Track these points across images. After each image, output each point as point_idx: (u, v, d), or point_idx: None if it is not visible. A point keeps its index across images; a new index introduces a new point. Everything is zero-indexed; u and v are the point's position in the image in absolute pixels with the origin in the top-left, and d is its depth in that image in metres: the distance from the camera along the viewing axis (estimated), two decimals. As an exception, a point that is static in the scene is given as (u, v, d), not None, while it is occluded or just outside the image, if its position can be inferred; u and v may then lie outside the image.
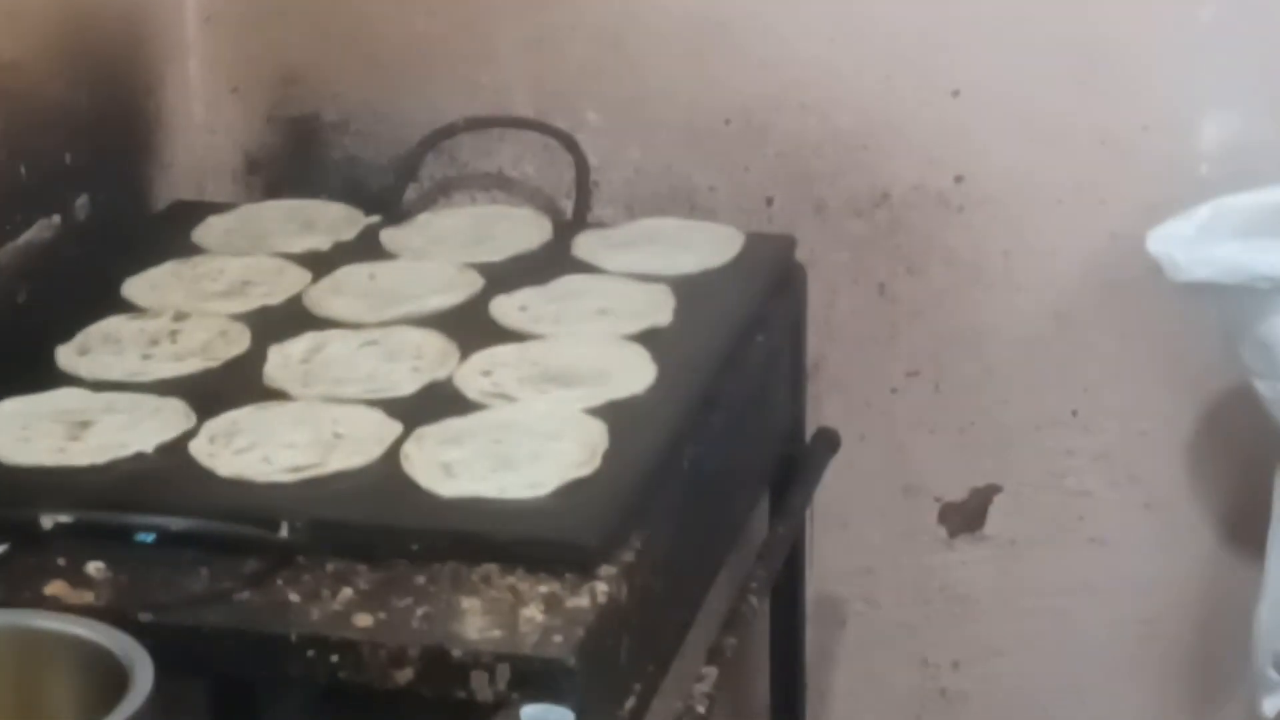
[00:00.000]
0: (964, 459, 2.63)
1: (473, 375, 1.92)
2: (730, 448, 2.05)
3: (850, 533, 2.68)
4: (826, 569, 2.68)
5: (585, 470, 1.72)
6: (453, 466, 1.73)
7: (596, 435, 1.79)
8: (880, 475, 2.65)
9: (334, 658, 1.54)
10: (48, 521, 1.63)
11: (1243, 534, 2.51)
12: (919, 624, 2.72)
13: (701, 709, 1.86)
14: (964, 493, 2.65)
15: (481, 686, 1.50)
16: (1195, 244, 2.22)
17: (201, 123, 2.55)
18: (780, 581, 2.42)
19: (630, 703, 1.70)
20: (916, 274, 2.56)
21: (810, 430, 2.49)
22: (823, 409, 2.58)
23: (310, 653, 1.54)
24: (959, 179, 2.50)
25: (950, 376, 2.60)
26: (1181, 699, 2.69)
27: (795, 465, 2.40)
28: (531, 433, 1.79)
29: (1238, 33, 2.39)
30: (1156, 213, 2.27)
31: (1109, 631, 2.67)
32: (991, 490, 2.64)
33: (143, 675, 1.23)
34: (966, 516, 2.66)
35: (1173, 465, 2.59)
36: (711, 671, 1.91)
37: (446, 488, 1.70)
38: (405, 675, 1.53)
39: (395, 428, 1.80)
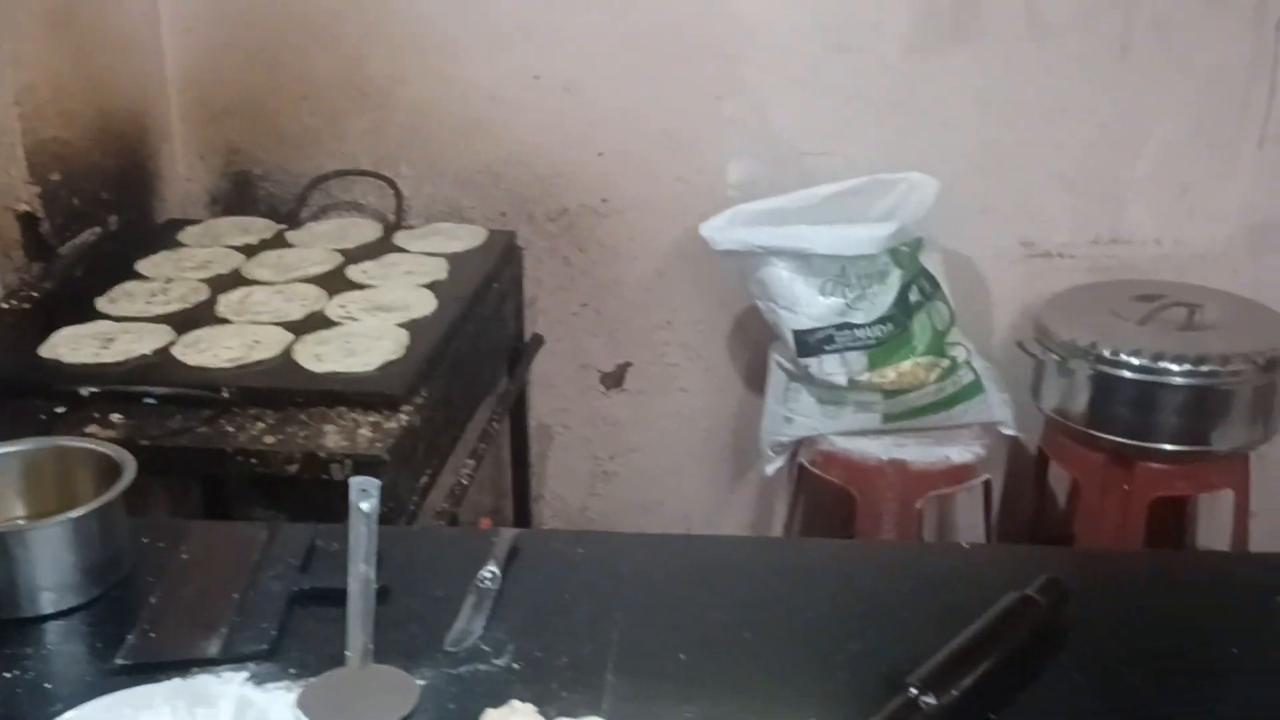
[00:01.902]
0: (612, 348, 2.67)
1: (335, 308, 1.96)
2: (479, 343, 2.10)
3: (553, 390, 2.70)
4: (541, 410, 2.72)
5: (396, 355, 1.79)
6: (321, 355, 1.78)
7: (403, 337, 1.84)
8: (568, 358, 2.67)
9: (254, 461, 1.59)
10: (85, 392, 1.66)
11: (755, 383, 2.58)
12: (591, 437, 2.75)
13: (465, 482, 1.93)
14: (612, 366, 2.69)
15: (337, 472, 1.57)
16: (725, 230, 2.32)
17: (183, 175, 2.52)
18: (514, 416, 2.50)
19: (424, 479, 1.77)
20: (584, 252, 2.59)
21: (528, 335, 2.54)
22: (536, 324, 2.61)
23: (240, 459, 1.59)
24: (604, 200, 2.55)
25: (604, 305, 2.63)
26: (729, 470, 2.75)
27: (520, 354, 2.46)
28: (366, 336, 1.84)
29: (744, 115, 2.47)
30: (706, 215, 2.35)
31: (689, 437, 2.72)
32: (627, 364, 2.69)
33: (129, 469, 1.21)
34: (614, 379, 2.70)
35: (720, 347, 2.65)
36: (471, 463, 1.99)
37: (318, 367, 1.75)
38: (294, 468, 1.58)
39: (289, 336, 1.83)
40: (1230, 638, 1.14)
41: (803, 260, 2.24)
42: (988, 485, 2.43)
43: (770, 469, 2.43)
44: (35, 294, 1.96)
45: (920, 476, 2.28)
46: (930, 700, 1.00)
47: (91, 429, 1.60)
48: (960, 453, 2.30)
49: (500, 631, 1.15)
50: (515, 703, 1.02)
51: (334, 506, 1.26)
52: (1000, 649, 1.08)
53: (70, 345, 1.79)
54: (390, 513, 1.60)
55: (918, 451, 2.29)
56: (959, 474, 2.30)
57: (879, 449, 2.29)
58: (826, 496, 2.49)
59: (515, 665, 1.10)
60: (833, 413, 2.34)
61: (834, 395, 2.33)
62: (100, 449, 1.27)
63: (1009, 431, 2.39)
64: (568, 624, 1.16)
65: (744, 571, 1.26)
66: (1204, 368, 2.14)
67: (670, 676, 1.09)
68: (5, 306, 1.91)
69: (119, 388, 1.67)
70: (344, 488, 1.17)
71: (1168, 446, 2.22)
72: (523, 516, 2.66)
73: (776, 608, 1.19)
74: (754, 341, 2.57)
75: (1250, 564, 1.30)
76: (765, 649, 1.13)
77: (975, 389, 2.35)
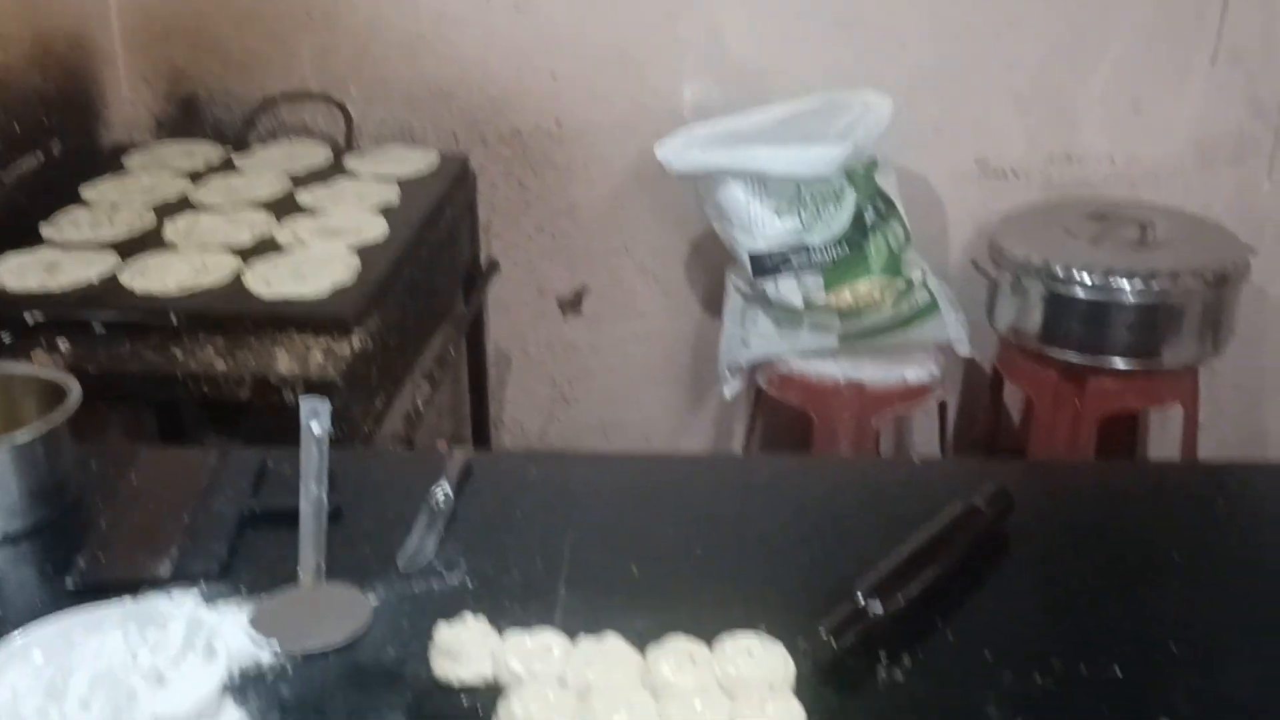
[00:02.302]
0: (569, 272, 2.66)
1: (284, 232, 1.94)
2: (433, 268, 2.09)
3: (511, 315, 2.70)
4: (500, 336, 2.71)
5: (346, 279, 1.77)
6: (270, 280, 1.76)
7: (353, 261, 1.83)
8: (525, 284, 2.67)
9: (204, 387, 1.58)
10: (30, 319, 1.64)
11: (713, 306, 2.59)
12: (550, 362, 2.75)
13: (421, 407, 1.94)
14: (570, 291, 2.68)
15: (289, 396, 1.56)
16: (681, 152, 2.30)
17: (127, 99, 2.47)
18: (472, 342, 2.50)
19: (378, 404, 1.77)
20: (538, 175, 2.58)
21: (484, 260, 2.53)
22: (492, 249, 2.61)
23: (190, 384, 1.58)
24: (558, 122, 2.53)
25: (559, 230, 2.62)
26: (688, 393, 2.76)
27: (475, 279, 2.45)
28: (316, 261, 1.82)
29: (697, 35, 2.44)
30: (661, 137, 2.33)
31: (649, 359, 2.73)
32: (585, 289, 2.68)
33: (74, 394, 1.21)
34: (572, 304, 2.70)
35: (677, 271, 2.65)
36: (427, 387, 1.99)
37: (267, 292, 1.73)
38: (245, 393, 1.58)
39: (238, 262, 1.81)
40: (1172, 543, 1.16)
41: (758, 182, 2.23)
42: (943, 405, 2.46)
43: (728, 392, 2.45)
44: (-23, 221, 1.94)
45: (877, 397, 2.30)
46: (877, 607, 1.01)
47: (38, 356, 1.58)
48: (916, 373, 2.32)
49: (453, 550, 1.15)
50: (468, 616, 1.03)
51: (287, 431, 1.24)
52: (946, 557, 1.09)
53: (14, 272, 1.77)
54: (343, 437, 1.60)
55: (874, 372, 2.31)
56: (915, 394, 2.32)
57: (836, 370, 2.31)
58: (784, 418, 2.51)
59: (468, 582, 1.11)
60: (789, 334, 2.35)
61: (790, 317, 2.33)
62: (44, 375, 1.26)
63: (964, 351, 2.42)
64: (520, 542, 1.16)
65: (696, 488, 1.27)
66: (1155, 284, 2.16)
67: (622, 589, 1.10)
68: (-53, 234, 1.89)
69: (66, 315, 1.65)
70: (296, 412, 1.16)
71: (1119, 362, 2.25)
72: (482, 442, 2.67)
73: (727, 522, 1.20)
74: (712, 265, 2.57)
75: (1195, 472, 1.32)
76: (716, 562, 1.14)
77: (931, 309, 2.36)
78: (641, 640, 1.01)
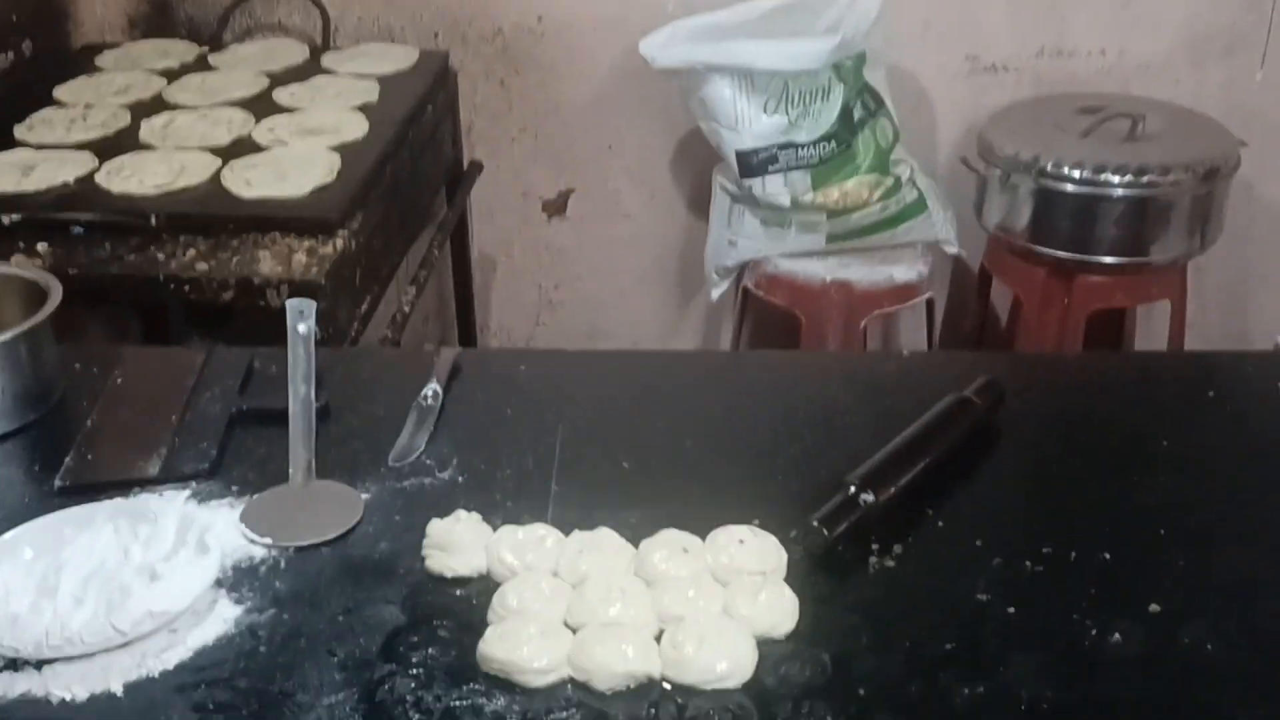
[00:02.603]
0: (554, 174, 2.63)
1: (263, 132, 1.90)
2: (416, 168, 2.06)
3: (495, 220, 2.67)
4: (484, 240, 2.68)
5: (328, 179, 1.75)
6: (251, 180, 1.73)
7: (334, 161, 1.79)
8: (509, 186, 2.63)
9: (186, 288, 1.56)
10: (7, 220, 1.61)
11: (700, 208, 2.55)
12: (534, 268, 2.74)
13: (407, 310, 1.93)
14: (554, 194, 2.66)
15: (274, 298, 1.54)
16: (666, 48, 2.25)
17: None
18: (456, 245, 2.48)
19: (364, 306, 1.76)
20: (521, 74, 2.53)
21: (466, 161, 2.48)
22: (475, 150, 2.57)
23: (172, 286, 1.56)
24: (540, 18, 2.48)
25: (543, 131, 2.58)
26: (676, 296, 2.74)
27: (457, 182, 2.42)
28: (297, 160, 1.79)
29: None
30: (646, 33, 2.27)
31: (636, 262, 2.71)
32: (569, 191, 2.66)
33: (55, 294, 1.20)
34: (557, 207, 2.67)
35: (663, 172, 2.61)
36: (412, 290, 1.98)
37: (248, 192, 1.71)
38: (229, 295, 1.56)
39: (217, 161, 1.78)
40: (1161, 430, 1.17)
41: (744, 77, 2.20)
42: (930, 304, 2.45)
43: (715, 293, 2.45)
44: (-51, 123, 1.90)
45: (864, 296, 2.29)
46: (869, 497, 1.02)
47: (17, 259, 1.56)
48: (904, 272, 2.32)
49: (444, 446, 1.15)
50: (461, 512, 1.03)
51: (271, 333, 1.23)
52: (937, 448, 1.10)
53: (-13, 175, 1.73)
54: (329, 339, 1.59)
55: (862, 271, 2.30)
56: (903, 293, 2.32)
57: (823, 270, 2.30)
58: (772, 320, 2.50)
59: (459, 478, 1.11)
60: (777, 234, 2.34)
61: (778, 217, 2.32)
62: (25, 274, 1.25)
63: (952, 250, 2.41)
64: (511, 438, 1.16)
65: (686, 385, 1.27)
66: (1144, 178, 2.15)
67: (613, 484, 1.10)
68: (-81, 137, 1.86)
69: (42, 215, 1.63)
70: (281, 314, 1.15)
71: (1107, 259, 2.25)
72: (469, 347, 2.64)
73: (718, 418, 1.20)
74: (698, 165, 2.53)
75: (1183, 362, 1.32)
76: (706, 456, 1.14)
77: (919, 207, 2.35)
78: (635, 534, 1.01)
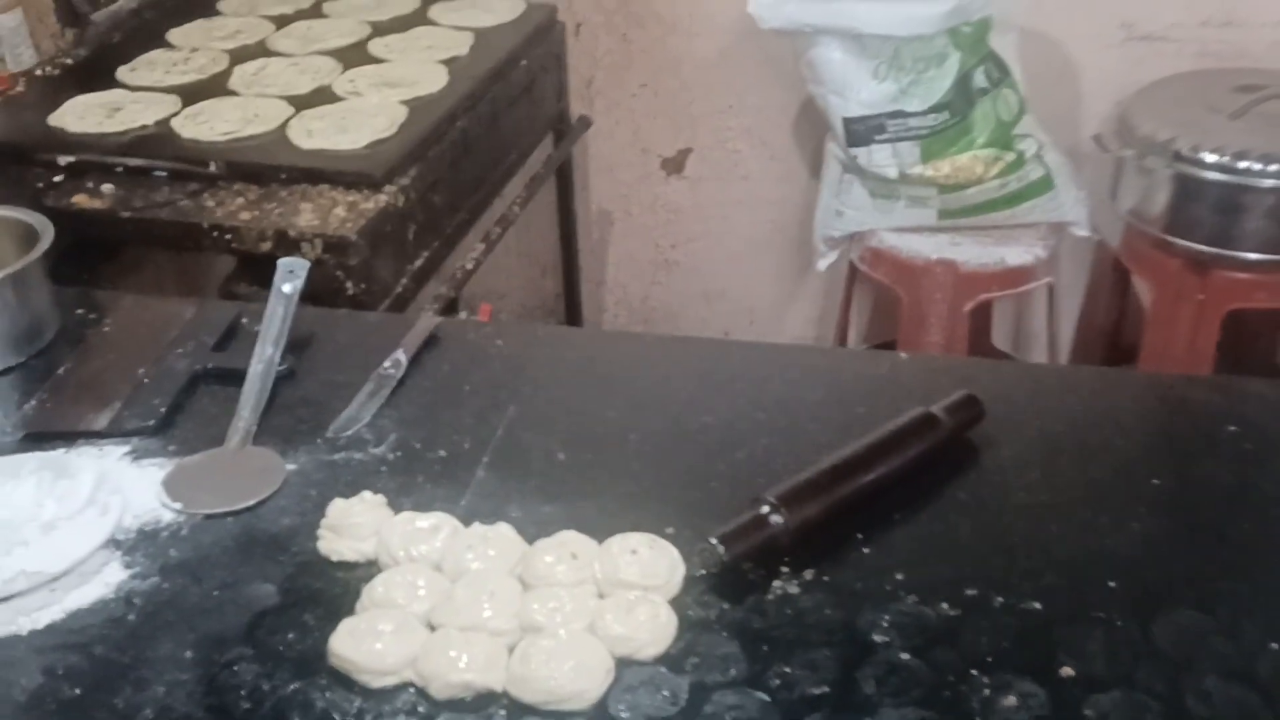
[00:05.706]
0: (672, 132, 2.60)
1: (344, 82, 1.91)
2: (498, 124, 2.02)
3: (614, 175, 2.66)
4: (602, 195, 2.68)
5: (386, 134, 1.74)
6: (313, 131, 1.75)
7: (400, 114, 1.79)
8: (628, 144, 2.62)
9: (229, 237, 1.59)
10: (63, 161, 1.66)
11: (815, 170, 2.47)
12: (652, 225, 2.71)
13: (470, 267, 1.92)
14: (673, 152, 2.62)
15: (308, 252, 1.56)
16: (774, 7, 2.16)
17: None
18: (563, 200, 2.45)
19: (420, 262, 1.75)
20: (643, 28, 2.50)
21: (574, 116, 2.44)
22: (594, 105, 2.56)
23: (215, 234, 1.59)
24: None
25: (663, 87, 2.55)
26: (794, 263, 2.66)
27: (562, 136, 2.38)
28: (363, 113, 1.80)
29: None
30: None
31: (752, 227, 2.66)
32: (688, 150, 2.61)
33: (46, 236, 1.22)
34: (675, 165, 2.64)
35: (784, 134, 2.54)
36: (480, 246, 1.96)
37: (306, 143, 1.73)
38: (267, 246, 1.58)
39: (289, 110, 1.80)
40: (1156, 467, 1.04)
41: (853, 40, 2.09)
42: (1052, 291, 2.28)
43: (821, 264, 2.37)
44: (69, 61, 1.99)
45: (969, 278, 2.16)
46: (779, 519, 0.95)
47: (79, 198, 1.63)
48: (1019, 254, 2.17)
49: (387, 420, 1.14)
50: (366, 494, 1.02)
51: (307, 288, 1.24)
52: (882, 467, 1.01)
53: (77, 114, 1.80)
54: (366, 295, 1.61)
55: (971, 251, 2.17)
56: (1013, 277, 2.17)
57: (929, 247, 2.18)
58: (880, 298, 2.40)
59: (390, 455, 1.09)
60: (885, 207, 2.23)
61: (885, 188, 2.21)
62: (18, 216, 1.28)
63: (1082, 232, 2.24)
64: (456, 417, 1.14)
65: (652, 372, 1.21)
66: (1293, 169, 1.93)
67: (541, 475, 1.06)
68: (39, 74, 1.95)
69: (103, 159, 1.67)
70: (317, 268, 1.14)
71: (1250, 255, 2.04)
72: (573, 303, 2.64)
73: (671, 410, 1.14)
74: (819, 129, 2.43)
75: (1210, 387, 1.17)
76: (646, 452, 1.09)
77: (1044, 185, 2.19)
78: (538, 532, 0.97)
